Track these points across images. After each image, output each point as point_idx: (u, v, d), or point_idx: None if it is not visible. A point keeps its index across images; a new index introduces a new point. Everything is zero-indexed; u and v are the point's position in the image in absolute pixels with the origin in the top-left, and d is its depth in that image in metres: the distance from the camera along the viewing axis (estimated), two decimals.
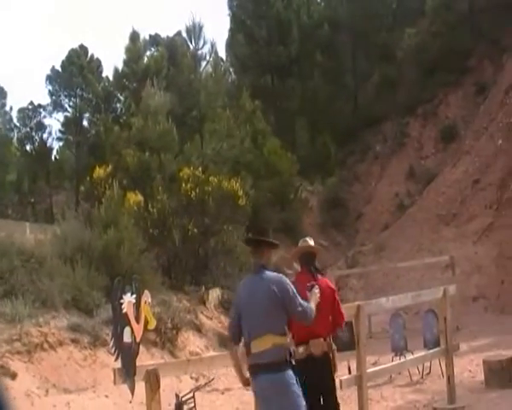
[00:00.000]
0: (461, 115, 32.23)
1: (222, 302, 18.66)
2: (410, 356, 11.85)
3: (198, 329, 16.44)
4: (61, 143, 53.74)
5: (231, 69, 44.44)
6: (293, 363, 5.95)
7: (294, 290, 6.00)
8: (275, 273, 6.10)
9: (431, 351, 11.33)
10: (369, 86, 40.63)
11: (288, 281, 6.07)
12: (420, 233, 25.96)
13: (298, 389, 5.87)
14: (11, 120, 55.36)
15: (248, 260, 20.67)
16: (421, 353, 11.51)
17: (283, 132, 35.97)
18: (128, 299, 6.21)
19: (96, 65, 51.28)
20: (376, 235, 28.96)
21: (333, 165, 34.97)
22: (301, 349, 6.77)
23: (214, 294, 18.69)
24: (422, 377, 12.50)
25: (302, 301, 6.02)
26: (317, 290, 6.44)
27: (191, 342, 15.58)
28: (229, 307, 18.42)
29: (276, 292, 5.87)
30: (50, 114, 52.16)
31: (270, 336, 5.81)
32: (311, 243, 7.55)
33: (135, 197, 21.40)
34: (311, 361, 6.76)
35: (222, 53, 44.45)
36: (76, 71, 49.44)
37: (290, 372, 5.85)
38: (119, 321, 6.23)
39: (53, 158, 53.40)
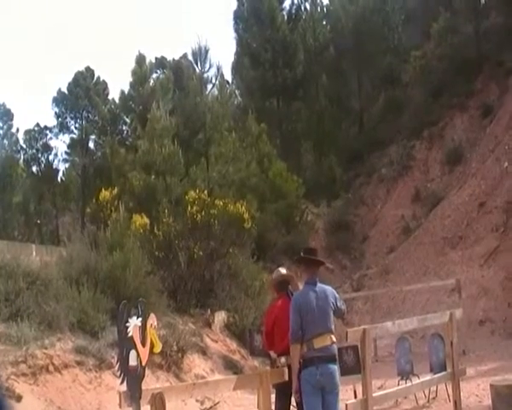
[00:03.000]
0: (466, 138, 32.22)
1: (227, 325, 18.61)
2: (416, 380, 11.78)
3: (203, 352, 16.37)
4: (66, 165, 54.02)
5: (237, 92, 44.62)
6: None
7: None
8: (326, 285, 7.82)
9: (437, 375, 11.25)
10: (375, 109, 40.72)
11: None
12: (426, 256, 25.91)
13: None
14: (17, 141, 55.70)
15: (253, 283, 20.80)
16: (428, 377, 11.44)
17: (289, 155, 36.09)
18: (134, 322, 6.24)
19: (102, 87, 51.60)
20: (382, 258, 28.89)
21: (338, 187, 35.00)
22: (283, 359, 8.11)
23: (220, 317, 18.64)
24: (428, 402, 12.42)
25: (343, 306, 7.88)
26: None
27: (197, 365, 15.51)
28: (234, 330, 18.45)
29: (331, 299, 7.56)
30: (56, 135, 52.47)
31: (329, 335, 7.39)
32: (284, 272, 8.85)
33: (140, 220, 21.39)
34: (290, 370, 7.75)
35: (228, 76, 44.72)
36: (82, 93, 49.76)
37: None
38: (125, 344, 6.24)
39: (59, 179, 53.57)
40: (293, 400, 8.10)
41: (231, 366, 16.53)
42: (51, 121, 54.08)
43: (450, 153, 32.19)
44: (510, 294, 21.16)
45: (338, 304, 7.64)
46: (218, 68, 33.08)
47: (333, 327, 7.50)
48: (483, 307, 21.09)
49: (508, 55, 32.36)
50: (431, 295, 22.52)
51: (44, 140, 52.98)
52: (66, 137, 52.23)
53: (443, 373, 11.09)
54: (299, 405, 7.60)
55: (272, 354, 8.57)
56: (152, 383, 12.11)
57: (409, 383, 11.80)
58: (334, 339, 7.45)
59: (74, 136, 51.37)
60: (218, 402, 13.11)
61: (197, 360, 15.80)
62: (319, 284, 7.64)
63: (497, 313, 20.72)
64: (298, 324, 7.37)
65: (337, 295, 7.77)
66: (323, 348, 7.30)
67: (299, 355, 7.35)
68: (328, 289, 7.73)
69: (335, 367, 7.36)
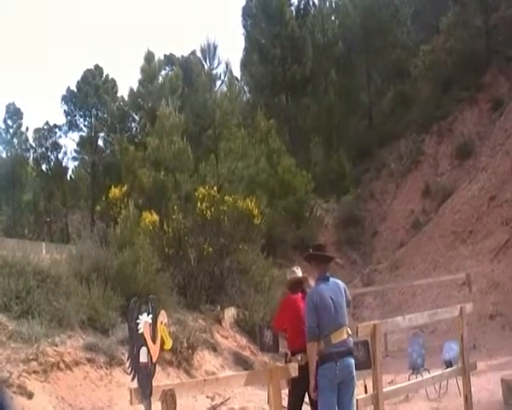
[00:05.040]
0: (476, 132, 32.10)
1: (237, 321, 18.61)
2: (426, 375, 11.75)
3: (214, 348, 16.38)
4: (76, 163, 54.21)
5: (246, 88, 44.63)
6: None
7: None
8: (339, 280, 7.81)
9: (448, 370, 11.24)
10: (384, 104, 40.68)
11: None
12: (436, 251, 25.83)
13: None
14: (27, 140, 55.87)
15: (263, 279, 20.80)
16: (438, 371, 11.41)
17: (298, 151, 36.08)
18: (144, 319, 6.26)
19: (111, 85, 51.73)
20: (392, 253, 28.82)
21: (348, 182, 34.92)
22: (299, 357, 7.94)
23: (230, 313, 18.65)
24: (439, 396, 12.41)
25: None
26: None
27: (207, 362, 15.54)
28: (244, 326, 18.45)
29: (345, 293, 7.66)
30: (66, 133, 52.74)
31: (345, 329, 7.42)
32: (298, 273, 8.79)
33: (150, 217, 21.41)
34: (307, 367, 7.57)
35: (237, 72, 44.73)
36: (91, 91, 49.89)
37: None
38: (136, 341, 6.26)
39: (68, 178, 53.77)
40: (306, 396, 8.09)
41: (241, 362, 16.53)
42: (60, 119, 54.41)
43: (459, 147, 32.07)
44: None
45: (348, 296, 7.75)
46: (227, 65, 33.10)
47: (347, 320, 7.55)
48: (493, 301, 20.98)
49: None
50: (441, 289, 22.47)
51: (54, 138, 53.27)
52: (75, 135, 52.54)
53: (453, 368, 11.07)
54: (315, 403, 7.56)
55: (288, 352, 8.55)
56: (162, 379, 12.14)
57: (419, 378, 11.79)
58: (350, 332, 7.49)
59: (83, 134, 51.62)
60: (228, 398, 13.14)
61: (207, 356, 15.82)
62: (331, 279, 7.66)
63: (508, 307, 20.60)
64: (315, 321, 7.35)
65: (345, 287, 7.81)
66: (341, 343, 7.32)
67: (316, 352, 7.33)
68: (340, 282, 7.76)
69: (353, 361, 7.39)
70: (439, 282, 22.18)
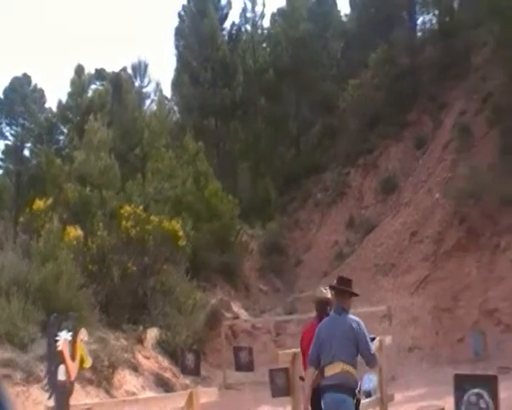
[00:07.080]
0: (400, 168, 32.59)
1: (160, 342, 18.50)
2: None
3: (135, 368, 16.23)
4: (0, 172, 52.96)
5: (176, 108, 44.51)
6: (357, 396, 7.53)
7: (368, 336, 7.71)
8: (355, 317, 7.81)
9: (367, 400, 11.35)
10: (312, 134, 40.98)
11: (363, 326, 7.70)
12: (358, 282, 25.78)
13: None
14: None
15: (187, 301, 20.74)
16: None
17: (225, 175, 36.06)
18: (64, 336, 6.18)
19: (39, 95, 50.82)
20: (315, 282, 28.85)
21: (273, 210, 35.02)
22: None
23: (152, 333, 18.52)
24: None
25: (373, 348, 7.74)
26: (377, 343, 8.05)
27: (127, 381, 15.37)
28: (166, 347, 18.35)
29: (353, 330, 7.52)
30: None
31: (342, 364, 7.30)
32: (326, 294, 8.93)
33: (74, 232, 21.10)
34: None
35: (167, 92, 44.60)
36: (18, 99, 48.92)
37: (351, 399, 7.29)
38: (54, 359, 6.18)
39: None
40: None
41: (162, 384, 16.42)
42: None
43: (384, 181, 32.46)
44: (438, 322, 21.56)
45: (361, 335, 7.63)
46: (158, 84, 33.09)
47: (349, 358, 7.44)
48: (412, 334, 21.38)
49: (442, 90, 32.95)
50: (362, 321, 22.69)
51: None
52: (0, 143, 51.37)
53: (372, 398, 11.21)
54: None
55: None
56: (81, 398, 11.93)
57: None
58: (349, 369, 7.39)
59: (9, 142, 50.52)
60: None
61: (128, 376, 15.65)
62: (346, 316, 7.75)
63: (426, 341, 21.06)
64: (315, 348, 7.59)
65: (364, 331, 7.72)
66: (332, 377, 7.34)
67: (316, 381, 7.52)
68: (353, 320, 7.75)
69: (343, 396, 7.29)
70: (359, 313, 22.33)
